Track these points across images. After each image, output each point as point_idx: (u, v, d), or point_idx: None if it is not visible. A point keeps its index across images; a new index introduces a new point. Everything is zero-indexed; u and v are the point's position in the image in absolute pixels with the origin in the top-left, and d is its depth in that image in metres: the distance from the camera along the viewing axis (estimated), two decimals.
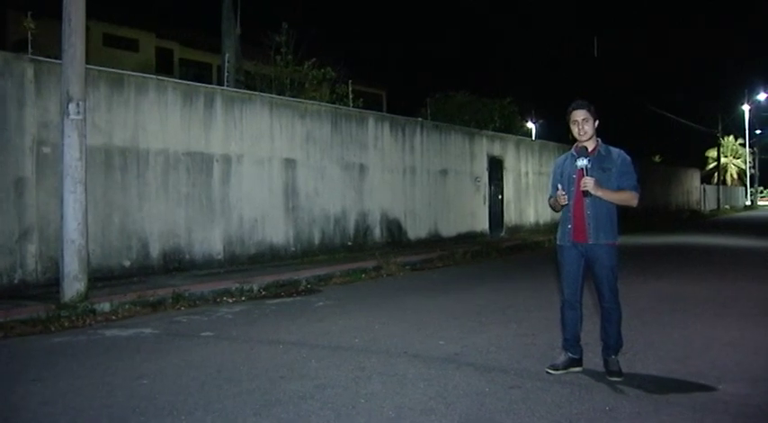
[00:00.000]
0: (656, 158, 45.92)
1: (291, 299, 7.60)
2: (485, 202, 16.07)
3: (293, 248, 10.72)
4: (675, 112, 37.26)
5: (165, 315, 6.54)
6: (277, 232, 10.48)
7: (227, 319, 6.38)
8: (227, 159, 9.77)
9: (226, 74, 11.82)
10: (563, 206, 4.19)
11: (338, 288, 8.47)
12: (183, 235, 9.11)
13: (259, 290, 7.85)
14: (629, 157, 4.19)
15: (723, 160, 48.60)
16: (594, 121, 4.14)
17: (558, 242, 4.31)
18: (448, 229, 14.57)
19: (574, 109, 4.15)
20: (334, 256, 11.09)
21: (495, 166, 16.63)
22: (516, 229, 17.30)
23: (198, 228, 9.30)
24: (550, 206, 4.41)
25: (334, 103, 13.19)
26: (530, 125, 24.17)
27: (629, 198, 4.10)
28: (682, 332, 5.50)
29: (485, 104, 19.32)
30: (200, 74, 24.17)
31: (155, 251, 8.75)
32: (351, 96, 13.94)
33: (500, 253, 12.94)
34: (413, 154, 13.73)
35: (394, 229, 13.02)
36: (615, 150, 4.21)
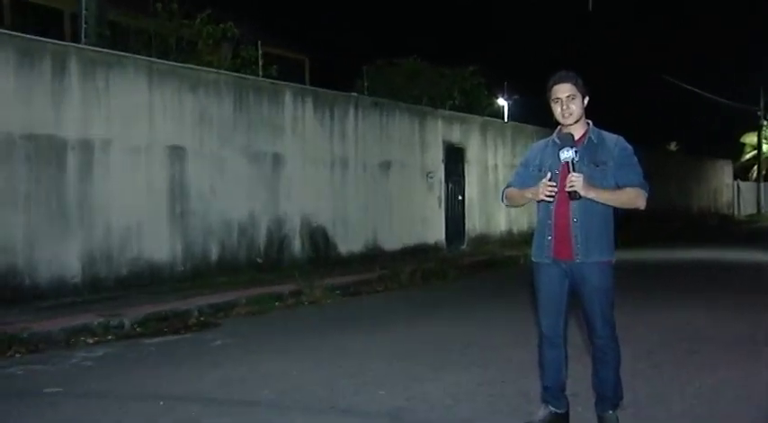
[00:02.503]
0: (672, 147, 46.34)
1: (178, 337, 7.50)
2: (440, 205, 16.20)
3: (182, 267, 10.55)
4: (699, 84, 35.83)
5: None
6: (159, 246, 10.28)
7: (85, 367, 6.20)
8: (87, 146, 9.49)
9: (84, 26, 11.42)
10: (540, 201, 4.15)
11: (243, 321, 8.42)
12: (22, 251, 8.78)
13: (133, 325, 7.75)
14: (629, 145, 4.22)
15: (766, 148, 45.91)
16: (583, 98, 4.17)
17: (533, 258, 4.29)
18: (391, 241, 14.63)
19: (556, 83, 4.15)
20: (239, 277, 10.97)
21: (455, 157, 16.80)
22: (481, 239, 17.53)
23: (44, 241, 8.99)
24: (505, 198, 4.39)
25: (238, 70, 13.01)
26: (500, 102, 24.46)
27: (634, 197, 4.10)
28: (706, 380, 5.56)
29: (442, 75, 19.44)
30: (45, 24, 23.02)
31: None
32: (261, 62, 13.78)
33: (460, 272, 13.08)
34: (344, 141, 13.72)
35: (319, 241, 12.97)
36: (611, 137, 4.23)
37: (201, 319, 8.32)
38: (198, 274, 10.68)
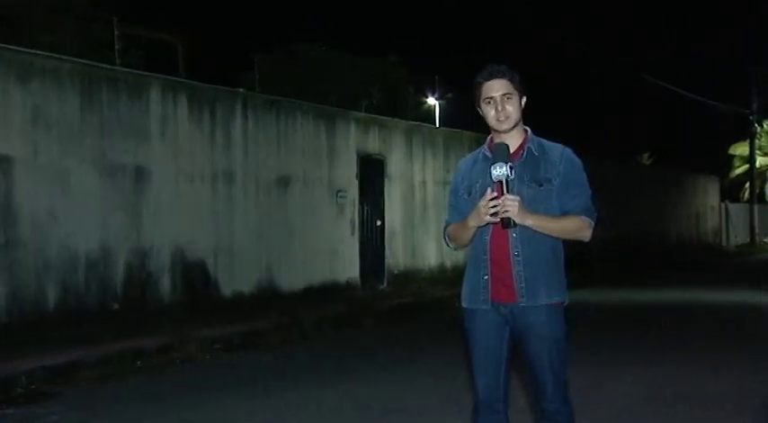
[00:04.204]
0: (645, 159, 47.17)
1: None
2: (353, 233, 16.22)
3: (5, 319, 10.26)
4: (677, 81, 35.98)
5: None
6: None
7: None
8: None
9: None
10: (477, 234, 4.18)
11: (91, 388, 8.24)
12: None
13: None
14: (577, 159, 4.28)
15: (761, 161, 46.18)
16: (521, 98, 4.24)
17: (464, 303, 4.32)
18: (291, 279, 14.56)
19: (487, 79, 4.21)
20: (87, 329, 10.67)
21: (372, 172, 16.86)
22: (406, 276, 17.57)
23: None
24: (448, 240, 4.40)
25: (86, 56, 12.76)
26: (430, 102, 24.70)
27: (578, 228, 4.17)
28: None
29: (356, 67, 19.59)
30: None
31: None
32: (118, 46, 13.57)
33: (379, 319, 13.09)
34: (230, 150, 13.64)
35: (196, 280, 12.84)
36: (555, 147, 4.28)
37: (32, 387, 8.05)
38: (29, 327, 10.30)
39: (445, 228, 4.42)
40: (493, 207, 3.99)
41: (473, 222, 4.11)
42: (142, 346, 9.64)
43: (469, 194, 4.24)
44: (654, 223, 30.76)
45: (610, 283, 19.05)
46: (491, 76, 4.18)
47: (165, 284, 12.33)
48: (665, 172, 35.10)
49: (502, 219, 4.01)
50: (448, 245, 4.46)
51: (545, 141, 4.30)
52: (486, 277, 4.18)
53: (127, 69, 12.68)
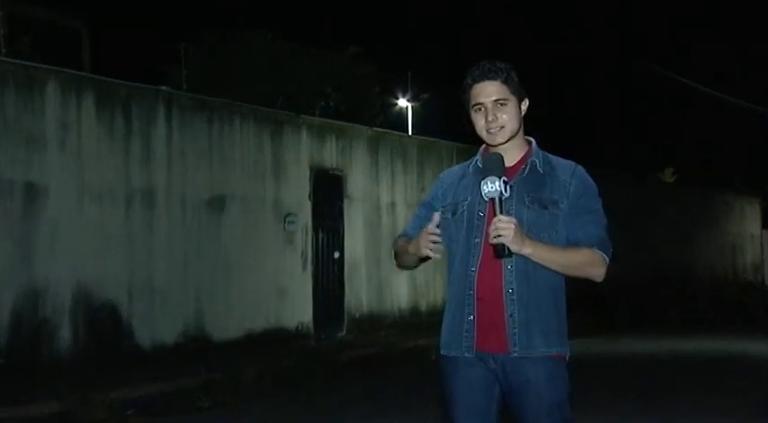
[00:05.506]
0: (668, 176, 47.22)
1: None
2: (305, 267, 16.27)
3: None
4: (705, 79, 35.82)
5: None
6: None
7: None
8: None
9: None
10: (460, 264, 4.21)
11: None
12: None
13: None
14: (590, 179, 4.31)
15: None
16: (520, 103, 4.29)
17: (443, 351, 4.35)
18: (227, 325, 14.55)
19: (476, 80, 4.26)
20: None
21: (329, 191, 16.96)
22: (371, 321, 17.65)
23: None
24: (396, 254, 4.49)
25: None
26: (401, 104, 24.81)
27: (589, 262, 4.18)
28: None
29: (309, 61, 19.59)
30: None
31: None
32: (3, 32, 13.50)
33: (335, 374, 13.12)
34: (149, 163, 13.65)
35: (105, 327, 12.80)
36: (564, 164, 4.32)
37: None
38: None
39: (397, 238, 4.51)
40: (433, 241, 4.08)
41: (413, 250, 4.24)
42: (32, 412, 9.55)
43: (454, 214, 4.28)
44: (679, 256, 31.02)
45: (624, 330, 19.11)
46: (481, 78, 4.24)
47: (65, 333, 12.23)
48: (692, 192, 35.07)
49: (495, 246, 4.02)
50: (394, 259, 4.57)
51: (553, 157, 4.33)
52: (471, 318, 4.20)
53: (15, 60, 12.63)
